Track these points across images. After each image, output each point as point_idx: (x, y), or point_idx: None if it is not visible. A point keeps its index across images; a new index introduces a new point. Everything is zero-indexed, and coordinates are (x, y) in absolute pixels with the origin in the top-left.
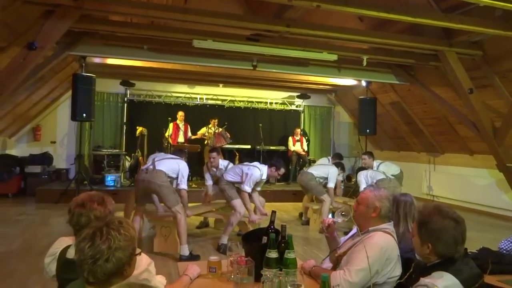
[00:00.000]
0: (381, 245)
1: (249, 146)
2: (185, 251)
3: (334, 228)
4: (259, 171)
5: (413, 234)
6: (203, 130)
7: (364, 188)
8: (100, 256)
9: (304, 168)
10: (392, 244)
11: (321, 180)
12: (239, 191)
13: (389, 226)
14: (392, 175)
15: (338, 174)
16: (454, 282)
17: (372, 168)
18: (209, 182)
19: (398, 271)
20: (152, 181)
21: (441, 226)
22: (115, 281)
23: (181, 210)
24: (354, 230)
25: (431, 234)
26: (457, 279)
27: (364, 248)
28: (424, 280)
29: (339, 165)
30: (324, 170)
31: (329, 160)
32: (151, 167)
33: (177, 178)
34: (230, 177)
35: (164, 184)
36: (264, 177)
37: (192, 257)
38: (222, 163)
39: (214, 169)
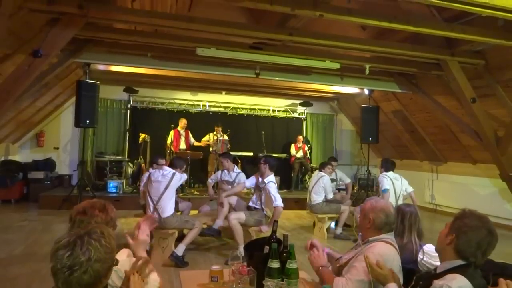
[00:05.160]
0: (380, 255)
1: (251, 154)
2: (180, 250)
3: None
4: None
5: (447, 225)
6: (207, 137)
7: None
8: (79, 268)
9: (306, 178)
10: (393, 254)
11: (324, 199)
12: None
13: (389, 236)
14: None
15: (330, 176)
16: (467, 283)
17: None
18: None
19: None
20: (166, 227)
21: (474, 226)
22: None
23: (198, 224)
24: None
25: (461, 227)
26: (470, 282)
27: (364, 259)
28: (438, 283)
29: (326, 165)
30: (319, 187)
31: (318, 173)
32: (156, 215)
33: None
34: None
35: (176, 224)
36: (225, 175)
37: (182, 261)
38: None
39: (226, 172)
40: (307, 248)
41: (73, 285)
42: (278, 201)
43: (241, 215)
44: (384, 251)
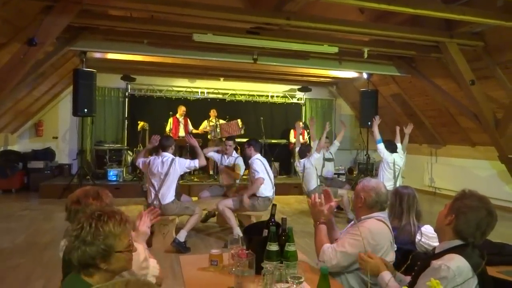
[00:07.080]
0: (370, 230)
1: None
2: (182, 236)
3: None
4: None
5: (446, 205)
6: (204, 124)
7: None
8: (72, 246)
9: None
10: (383, 231)
11: (319, 183)
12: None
13: (382, 214)
14: None
15: (309, 157)
16: (465, 263)
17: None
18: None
19: (390, 256)
20: (166, 214)
21: (474, 206)
22: (93, 272)
23: (198, 210)
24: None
25: (461, 208)
26: (467, 261)
27: (353, 232)
28: (436, 263)
29: (305, 151)
30: (308, 174)
31: (299, 162)
32: (156, 203)
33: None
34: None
35: (176, 211)
36: (224, 160)
37: (184, 247)
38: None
39: (225, 156)
40: (315, 199)
41: (73, 260)
42: (260, 174)
43: (228, 202)
44: (375, 226)
